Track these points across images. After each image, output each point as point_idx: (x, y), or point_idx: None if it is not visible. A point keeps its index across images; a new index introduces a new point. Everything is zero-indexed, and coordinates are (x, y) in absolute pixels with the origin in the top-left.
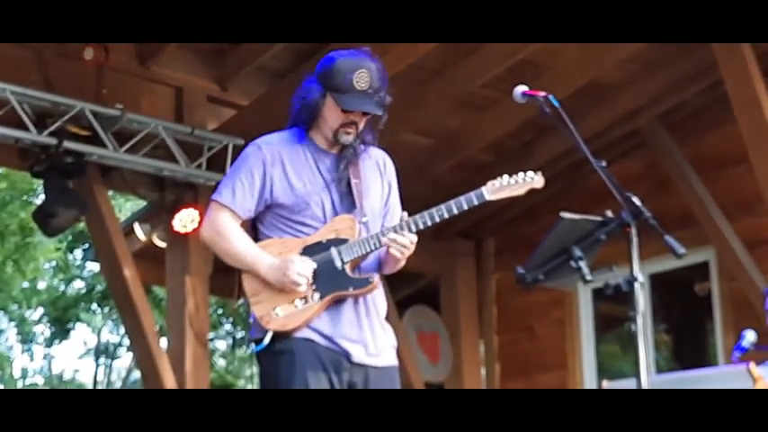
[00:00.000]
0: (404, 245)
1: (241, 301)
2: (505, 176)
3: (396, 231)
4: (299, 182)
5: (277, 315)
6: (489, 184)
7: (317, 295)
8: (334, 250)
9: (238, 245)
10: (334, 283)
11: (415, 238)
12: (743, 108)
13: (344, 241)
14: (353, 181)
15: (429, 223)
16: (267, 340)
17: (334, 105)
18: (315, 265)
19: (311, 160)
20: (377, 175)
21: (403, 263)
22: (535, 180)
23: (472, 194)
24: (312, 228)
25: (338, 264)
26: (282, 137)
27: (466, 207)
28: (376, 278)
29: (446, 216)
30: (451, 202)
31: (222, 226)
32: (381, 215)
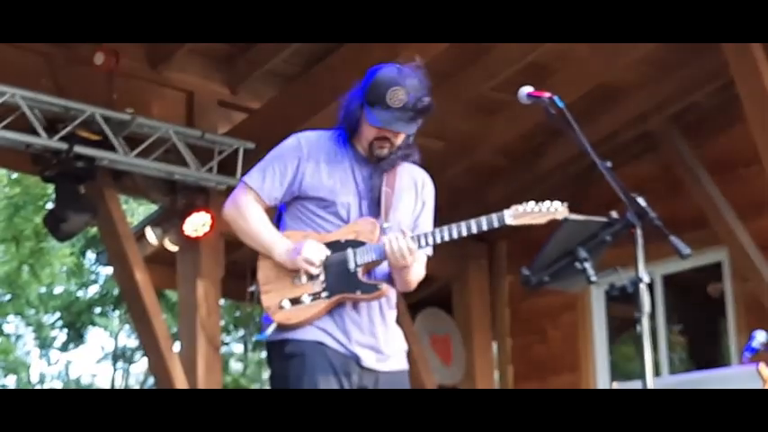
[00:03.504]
0: (398, 254)
1: (252, 288)
2: (531, 203)
3: (397, 238)
4: (330, 180)
5: (283, 307)
6: (513, 208)
7: (325, 293)
8: (350, 251)
9: (258, 226)
10: (343, 284)
11: (414, 247)
12: (754, 108)
13: (362, 244)
14: (385, 189)
15: (447, 238)
16: (270, 331)
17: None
18: (328, 252)
19: (347, 164)
20: (412, 192)
21: (411, 282)
22: (558, 211)
23: (494, 216)
24: (333, 225)
25: (351, 265)
26: (325, 136)
27: (485, 228)
28: (385, 286)
29: (465, 234)
30: (472, 222)
31: (244, 206)
32: (409, 230)
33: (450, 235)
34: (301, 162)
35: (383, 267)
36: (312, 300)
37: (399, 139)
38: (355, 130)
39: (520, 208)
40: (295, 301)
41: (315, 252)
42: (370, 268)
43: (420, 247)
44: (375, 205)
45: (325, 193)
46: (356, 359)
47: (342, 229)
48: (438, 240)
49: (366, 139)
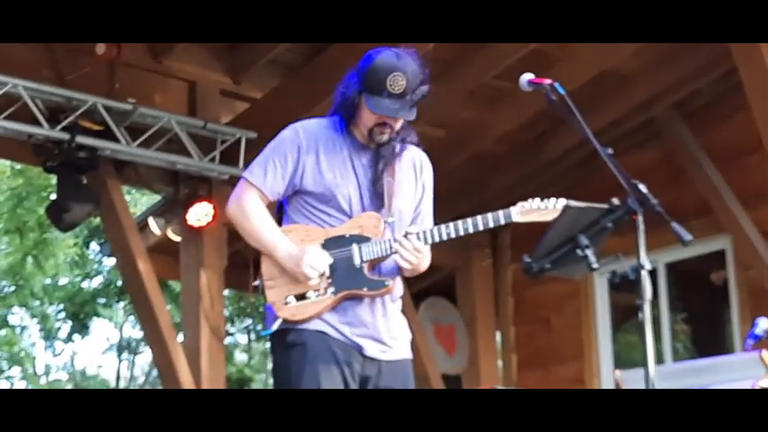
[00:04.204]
0: (409, 257)
1: (256, 282)
2: (536, 200)
3: (407, 239)
4: (330, 173)
5: (288, 304)
6: (519, 205)
7: (331, 289)
8: (355, 247)
9: (261, 226)
10: (349, 281)
11: (422, 247)
12: (757, 96)
13: (367, 239)
14: (386, 179)
15: (453, 236)
16: (275, 327)
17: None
18: (331, 260)
19: (346, 153)
20: (412, 175)
21: (421, 268)
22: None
23: (500, 213)
24: (336, 219)
25: (357, 261)
26: (322, 124)
27: (492, 225)
28: (391, 282)
29: (471, 231)
30: (478, 218)
31: (247, 205)
32: (410, 217)
33: (457, 232)
34: (301, 153)
35: (390, 262)
36: (317, 296)
37: (399, 124)
38: (353, 116)
39: (526, 205)
40: (300, 297)
41: (314, 263)
42: (375, 264)
43: (426, 244)
44: (376, 195)
45: (326, 188)
46: (358, 349)
47: (346, 223)
48: (444, 238)
49: (365, 125)
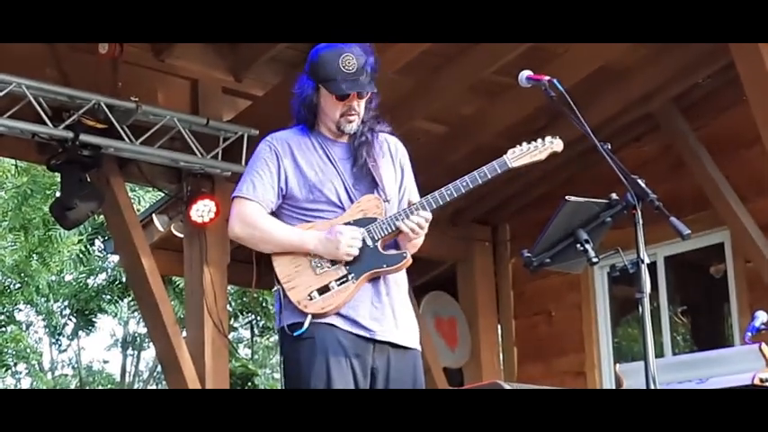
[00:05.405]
0: (418, 224)
1: (276, 287)
2: (524, 143)
3: (414, 210)
4: (311, 170)
5: (314, 298)
6: (510, 151)
7: (351, 275)
8: (363, 230)
9: (277, 229)
10: (367, 262)
11: (429, 216)
12: (754, 89)
13: (372, 220)
14: (371, 164)
15: (455, 195)
16: (307, 324)
17: (329, 96)
18: (363, 230)
19: (320, 149)
20: (389, 159)
21: (419, 244)
22: (554, 144)
23: (494, 163)
24: (331, 212)
25: (369, 242)
26: (290, 131)
27: (489, 177)
28: (409, 253)
29: (470, 187)
30: (475, 173)
31: (252, 217)
32: (398, 199)
33: (458, 191)
34: (279, 158)
35: (390, 243)
36: (339, 284)
37: (362, 108)
38: (316, 115)
39: (516, 150)
40: (323, 290)
41: (351, 240)
42: (387, 241)
43: (432, 210)
44: (363, 180)
45: (312, 186)
46: (369, 334)
47: (347, 211)
48: (447, 199)
49: (332, 119)
